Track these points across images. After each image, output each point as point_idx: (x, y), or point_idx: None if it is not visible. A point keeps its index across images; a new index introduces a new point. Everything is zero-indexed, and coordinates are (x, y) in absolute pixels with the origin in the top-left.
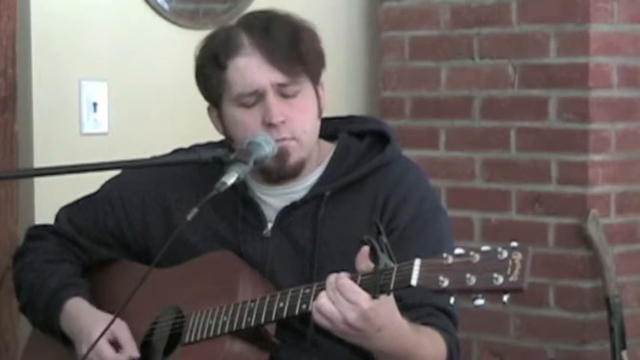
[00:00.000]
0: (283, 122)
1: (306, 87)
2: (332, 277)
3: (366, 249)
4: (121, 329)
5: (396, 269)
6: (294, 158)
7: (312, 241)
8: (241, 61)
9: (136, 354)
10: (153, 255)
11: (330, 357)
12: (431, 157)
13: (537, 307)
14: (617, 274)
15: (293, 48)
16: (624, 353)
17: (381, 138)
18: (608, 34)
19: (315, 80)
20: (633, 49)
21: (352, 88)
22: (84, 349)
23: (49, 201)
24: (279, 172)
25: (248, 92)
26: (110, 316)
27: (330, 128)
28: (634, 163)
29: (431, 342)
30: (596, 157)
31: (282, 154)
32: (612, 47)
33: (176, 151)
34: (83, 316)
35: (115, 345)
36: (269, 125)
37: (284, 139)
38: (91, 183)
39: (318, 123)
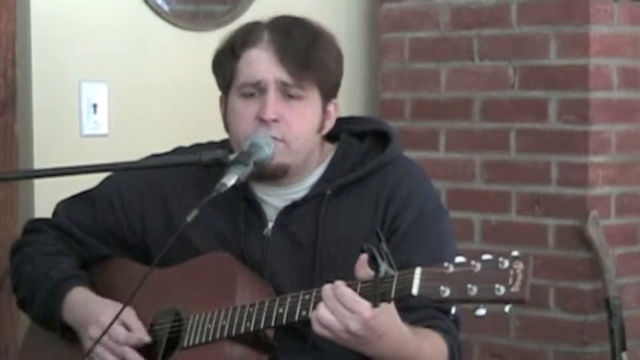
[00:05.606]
0: (276, 121)
1: (313, 97)
2: (328, 288)
3: (364, 256)
4: (129, 315)
5: (396, 277)
6: (276, 160)
7: (314, 240)
8: (254, 53)
9: (147, 338)
10: (152, 252)
11: (330, 359)
12: (431, 159)
13: (537, 308)
14: (617, 276)
15: (306, 52)
16: (624, 355)
17: (382, 138)
18: (607, 36)
19: (326, 95)
20: (633, 51)
21: (352, 90)
22: (91, 331)
23: (49, 202)
24: (258, 171)
25: (251, 82)
26: (118, 304)
27: (331, 129)
28: (634, 165)
29: (431, 345)
30: (596, 159)
31: None
32: (612, 49)
33: (177, 150)
34: (91, 302)
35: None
36: (261, 121)
37: (273, 139)
38: (91, 185)
39: (316, 138)
